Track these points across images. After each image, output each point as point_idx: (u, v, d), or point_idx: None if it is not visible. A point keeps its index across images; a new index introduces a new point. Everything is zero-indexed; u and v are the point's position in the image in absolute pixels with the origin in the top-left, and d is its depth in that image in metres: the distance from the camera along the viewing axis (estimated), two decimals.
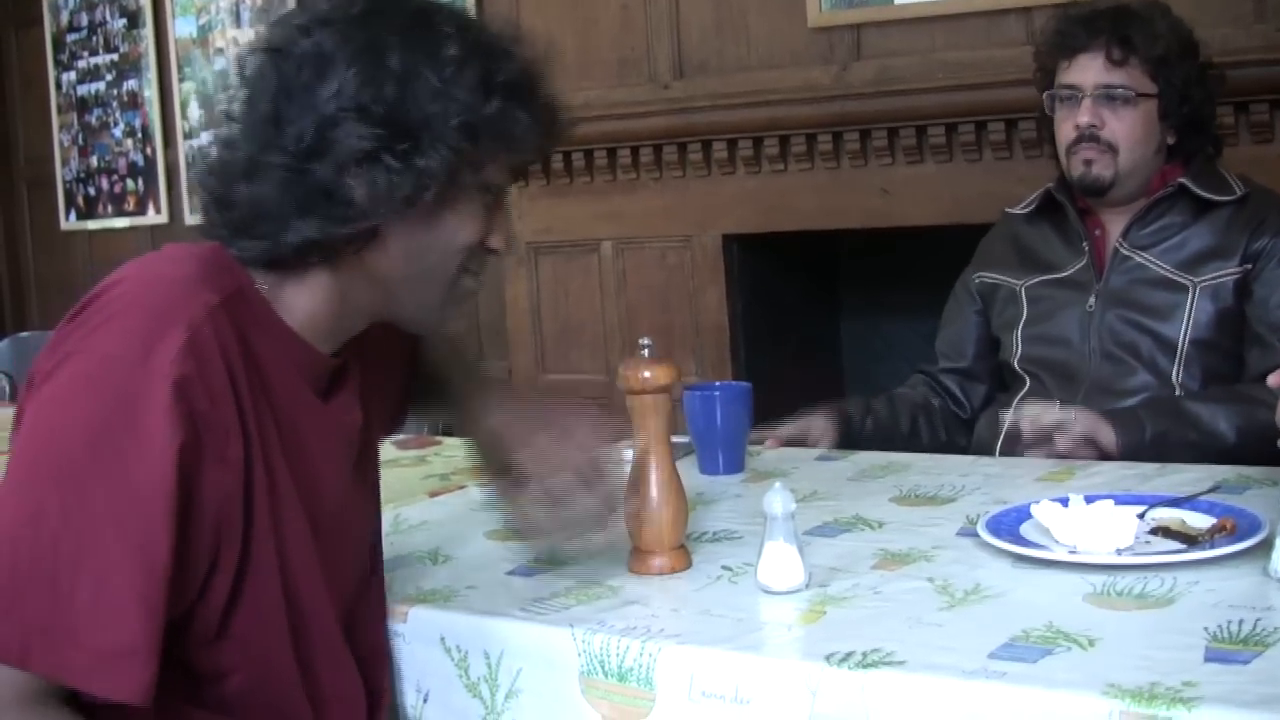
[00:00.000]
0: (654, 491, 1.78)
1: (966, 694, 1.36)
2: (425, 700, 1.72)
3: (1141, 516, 1.80)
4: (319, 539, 1.54)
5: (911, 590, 1.65)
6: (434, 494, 2.33)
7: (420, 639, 1.72)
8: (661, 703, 1.52)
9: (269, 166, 1.44)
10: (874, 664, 1.42)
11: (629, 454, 1.80)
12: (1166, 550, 1.71)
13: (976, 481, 2.15)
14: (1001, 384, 2.74)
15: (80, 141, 6.32)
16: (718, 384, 2.59)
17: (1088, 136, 2.56)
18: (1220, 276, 2.52)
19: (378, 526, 1.77)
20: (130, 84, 6.10)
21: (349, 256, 1.49)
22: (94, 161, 6.26)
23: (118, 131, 6.17)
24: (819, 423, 2.58)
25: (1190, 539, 1.74)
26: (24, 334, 5.15)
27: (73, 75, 6.32)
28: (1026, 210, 2.76)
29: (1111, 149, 2.55)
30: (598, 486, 1.69)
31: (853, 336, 4.81)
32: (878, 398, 2.74)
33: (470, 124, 1.46)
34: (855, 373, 4.75)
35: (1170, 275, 2.55)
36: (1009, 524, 1.82)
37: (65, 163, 6.38)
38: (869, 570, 1.74)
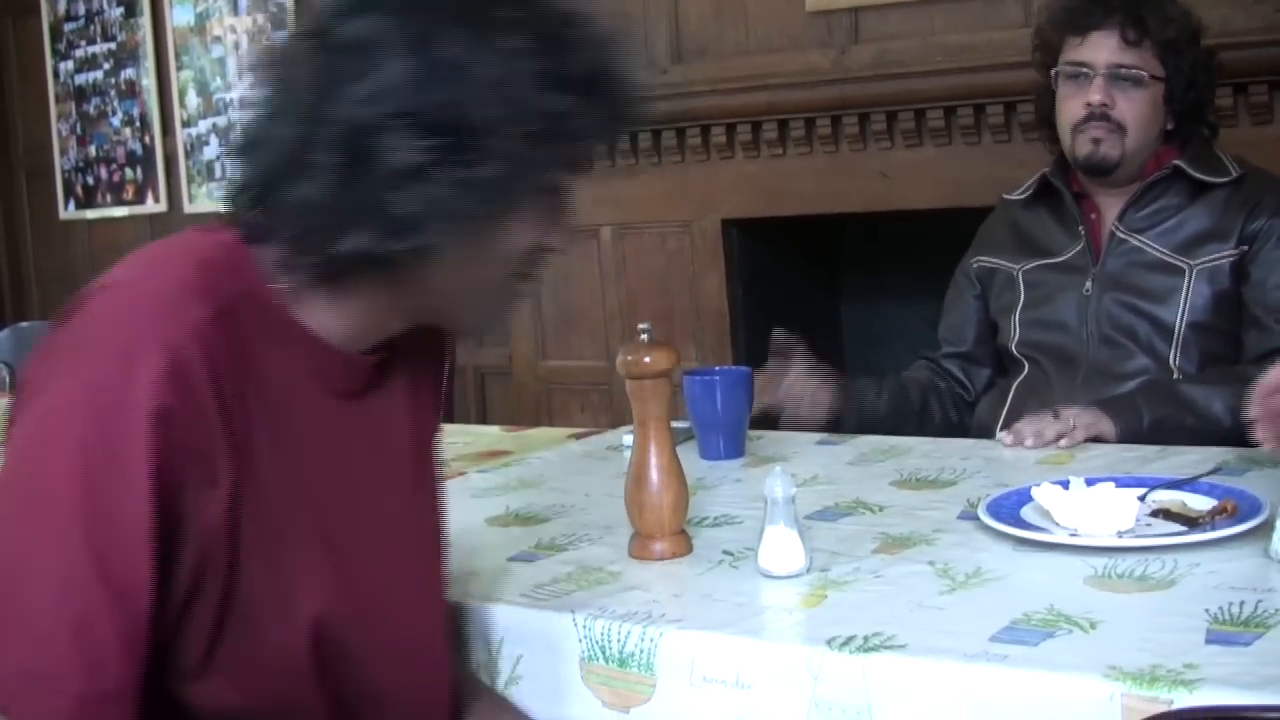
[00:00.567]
0: (654, 476, 1.78)
1: (968, 677, 1.36)
2: None
3: (1142, 499, 1.80)
4: (346, 562, 1.43)
5: (912, 574, 1.65)
6: None
7: None
8: (662, 688, 1.52)
9: (318, 168, 1.29)
10: (875, 648, 1.42)
11: (628, 439, 1.80)
12: (1167, 533, 1.71)
13: (977, 465, 2.15)
14: (1001, 368, 2.74)
15: (78, 131, 6.31)
16: (718, 369, 2.59)
17: (1098, 115, 2.55)
18: (1217, 258, 2.52)
19: (440, 528, 1.61)
20: (128, 73, 6.09)
21: (401, 269, 1.35)
22: (92, 150, 6.25)
23: (116, 120, 6.16)
24: (819, 392, 2.55)
25: (1191, 521, 1.74)
26: (24, 324, 5.13)
27: (70, 64, 6.31)
28: (1023, 196, 2.76)
29: (1120, 129, 2.54)
30: None
31: (853, 320, 4.81)
32: (886, 377, 2.74)
33: (540, 131, 1.31)
34: (856, 357, 4.74)
35: (1166, 258, 2.54)
36: (1010, 507, 1.82)
37: (64, 152, 6.37)
38: (870, 554, 1.74)
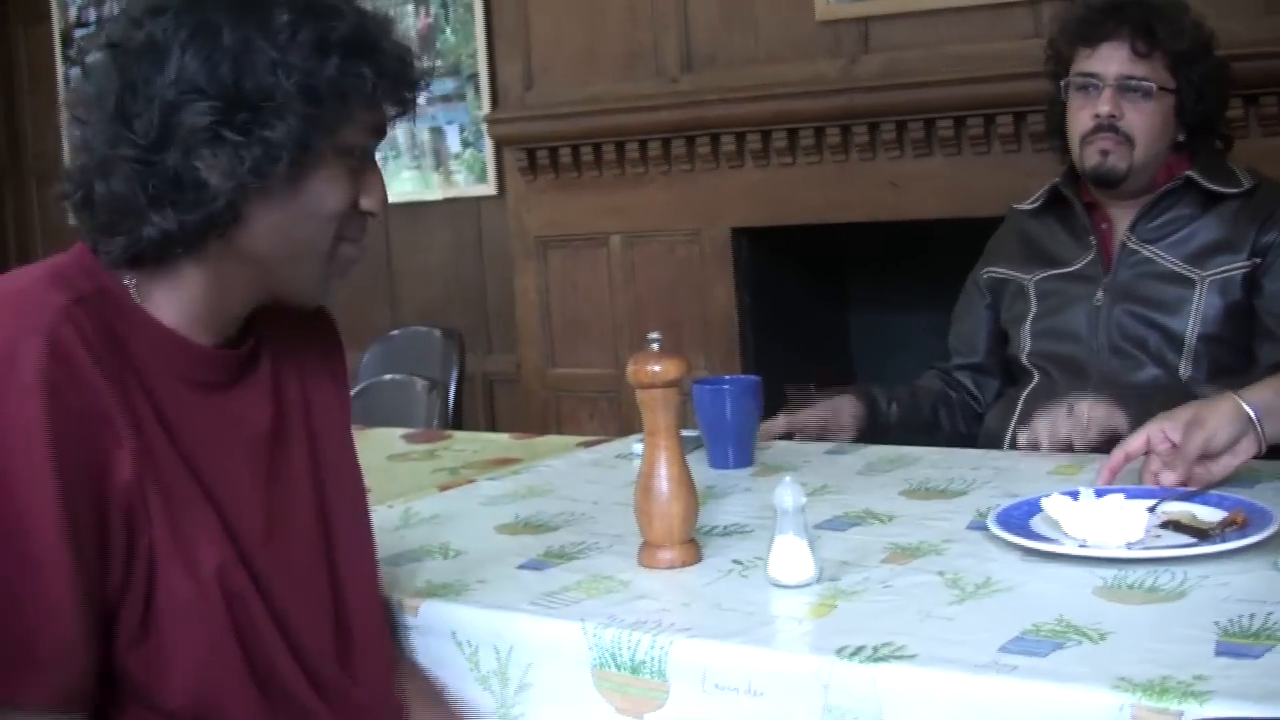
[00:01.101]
0: (664, 486, 1.78)
1: (977, 688, 1.36)
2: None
3: (1152, 510, 1.80)
4: (244, 539, 1.51)
5: (922, 584, 1.65)
6: (444, 488, 2.34)
7: (431, 633, 1.72)
8: (675, 694, 1.52)
9: (120, 162, 1.43)
10: (885, 657, 1.42)
11: (637, 448, 1.80)
12: (1177, 544, 1.70)
13: (987, 475, 2.15)
14: (1010, 378, 2.74)
15: None
16: (727, 377, 2.59)
17: (1106, 126, 2.55)
18: (1228, 270, 2.51)
19: (358, 529, 1.70)
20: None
21: (214, 242, 1.47)
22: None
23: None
24: (846, 407, 2.58)
25: (1201, 533, 1.74)
26: None
27: (80, 70, 6.32)
28: (1033, 206, 2.76)
29: (1129, 141, 2.54)
30: None
31: (861, 330, 4.81)
32: (898, 387, 2.75)
33: (310, 86, 1.43)
34: (864, 366, 4.75)
35: (1178, 269, 2.54)
36: (1019, 518, 1.82)
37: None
38: (879, 564, 1.74)
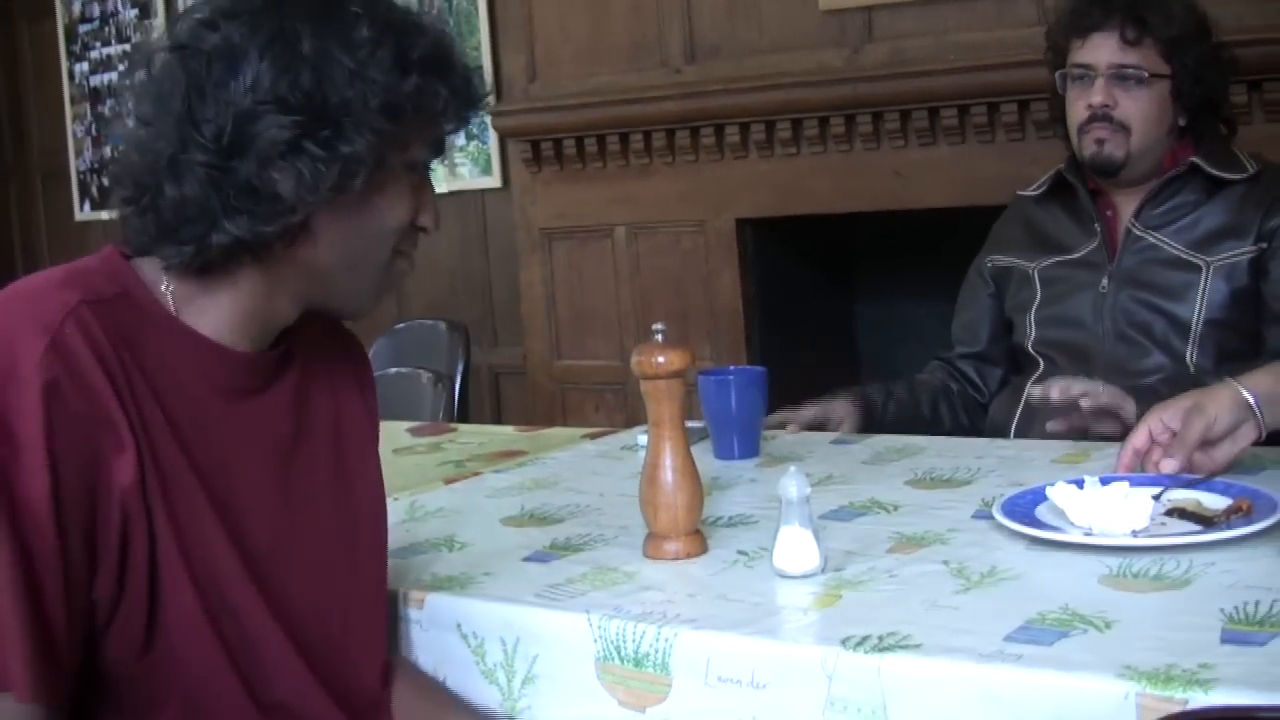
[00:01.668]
0: (669, 477, 1.78)
1: (983, 676, 1.36)
2: (443, 683, 1.71)
3: (1157, 498, 1.80)
4: (253, 550, 1.50)
5: (927, 573, 1.65)
6: (449, 481, 2.34)
7: (437, 625, 1.72)
8: (678, 687, 1.52)
9: (191, 166, 1.41)
10: (890, 647, 1.42)
11: (643, 439, 1.80)
12: (1182, 532, 1.70)
13: (992, 464, 2.15)
14: (1016, 367, 2.73)
15: (94, 132, 6.33)
16: (732, 368, 2.59)
17: (1100, 116, 2.55)
18: (1234, 255, 2.51)
19: (376, 538, 1.70)
20: (140, 75, 6.10)
21: (279, 252, 1.47)
22: (108, 152, 6.27)
23: (131, 123, 6.17)
24: (841, 407, 2.59)
25: (1206, 520, 1.73)
26: None
27: (85, 66, 6.34)
28: (1038, 192, 2.76)
29: (1124, 129, 2.55)
30: None
31: (867, 319, 4.81)
32: (897, 383, 2.75)
33: (392, 104, 1.43)
34: (870, 355, 4.75)
35: (1183, 255, 2.54)
36: (1024, 506, 1.82)
37: (79, 154, 6.39)
38: (884, 553, 1.74)
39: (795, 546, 1.67)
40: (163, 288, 1.48)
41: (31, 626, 1.32)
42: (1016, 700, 1.34)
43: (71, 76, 6.38)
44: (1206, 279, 2.52)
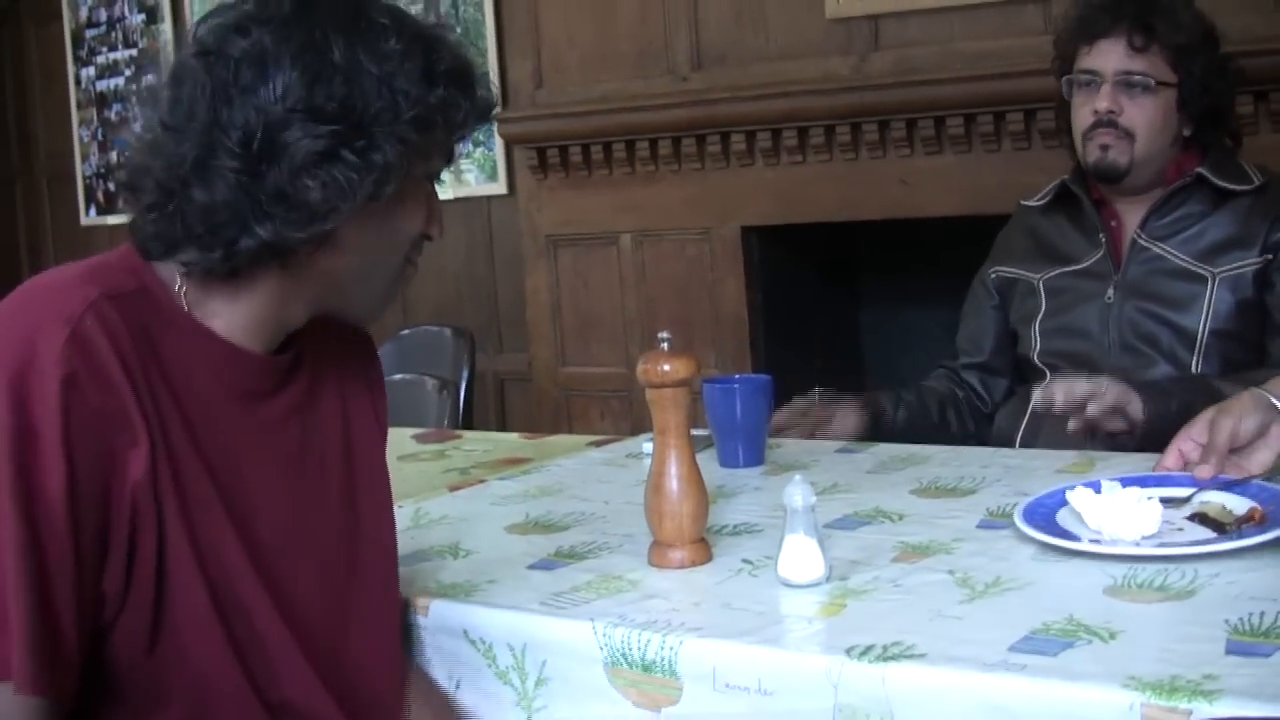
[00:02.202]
0: (674, 485, 1.78)
1: (987, 687, 1.36)
2: (458, 687, 1.72)
3: (1188, 500, 1.79)
4: (261, 549, 1.51)
5: (932, 583, 1.65)
6: (454, 488, 2.34)
7: (443, 632, 1.72)
8: (689, 692, 1.53)
9: (221, 172, 1.41)
10: (895, 656, 1.42)
11: (648, 447, 1.80)
12: (1186, 542, 1.70)
13: (997, 473, 2.15)
14: (1021, 377, 2.73)
15: (100, 137, 6.34)
16: (737, 376, 2.59)
17: (1105, 122, 2.55)
18: (1240, 267, 2.51)
19: (383, 539, 1.71)
20: (149, 79, 6.11)
21: (302, 258, 1.48)
22: (114, 156, 6.28)
23: (138, 127, 6.18)
24: (845, 416, 2.58)
25: (1219, 526, 1.73)
26: None
27: (92, 71, 6.34)
28: (1042, 202, 2.76)
29: (1129, 136, 2.55)
30: None
31: (872, 328, 4.81)
32: (906, 389, 2.75)
33: (422, 115, 1.45)
34: (875, 364, 4.75)
35: (1189, 266, 2.54)
36: (1046, 510, 1.82)
37: (85, 158, 6.40)
38: (889, 563, 1.74)
39: (800, 555, 1.67)
40: (177, 287, 1.49)
41: (37, 618, 1.33)
42: (1021, 711, 1.34)
43: (78, 81, 6.38)
44: (1212, 290, 2.52)
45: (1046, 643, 1.43)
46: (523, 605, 1.69)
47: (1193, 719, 1.25)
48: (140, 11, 6.12)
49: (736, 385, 2.39)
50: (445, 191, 5.28)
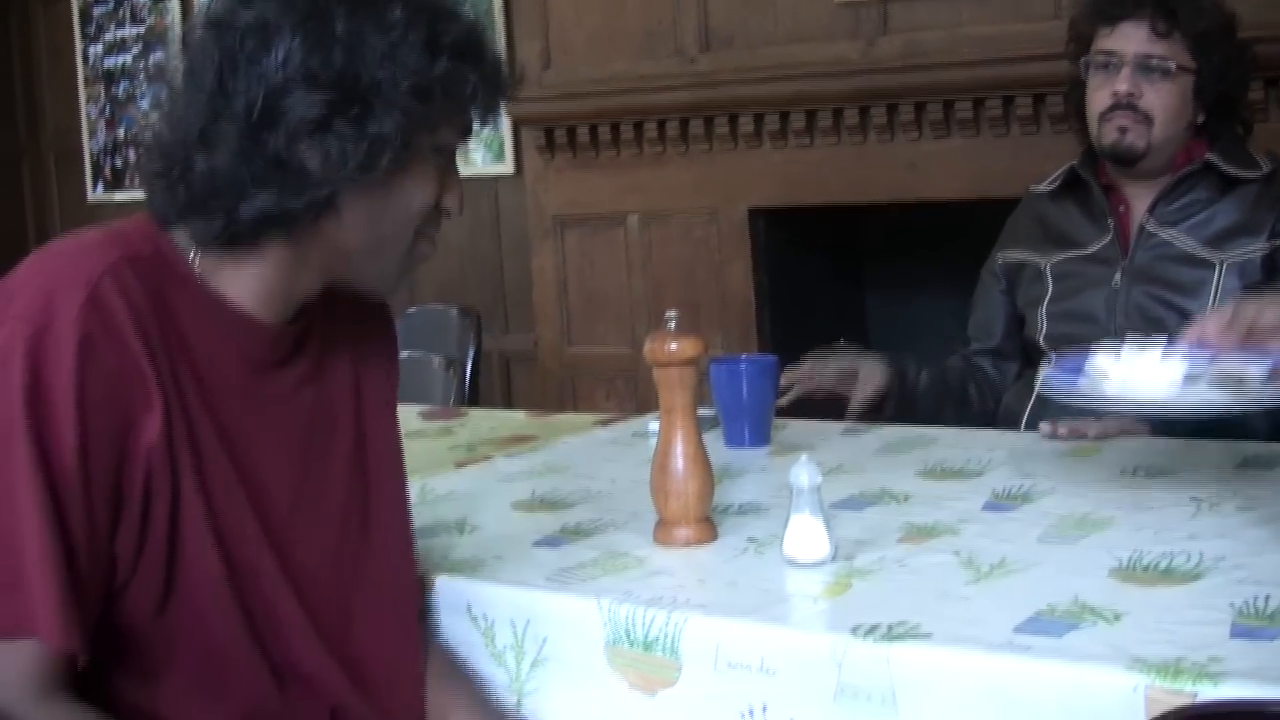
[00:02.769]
0: (680, 464, 1.78)
1: (992, 667, 1.37)
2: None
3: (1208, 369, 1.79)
4: (271, 517, 1.53)
5: (937, 564, 1.65)
6: (460, 464, 2.34)
7: (447, 608, 1.73)
8: (687, 672, 1.53)
9: (222, 138, 1.43)
10: (900, 636, 1.43)
11: (654, 426, 1.80)
12: (1202, 397, 1.69)
13: (1003, 456, 2.15)
14: (1029, 361, 2.73)
15: (107, 114, 6.34)
16: (743, 356, 2.59)
17: (1124, 105, 2.54)
18: (1247, 253, 2.51)
19: (395, 506, 1.71)
20: (157, 56, 6.11)
21: (305, 227, 1.48)
22: (121, 133, 6.28)
23: (145, 103, 6.18)
24: (871, 367, 2.57)
25: (1239, 382, 1.71)
26: None
27: (99, 48, 6.34)
28: (1051, 187, 2.75)
29: (1147, 119, 2.54)
30: None
31: (878, 311, 4.81)
32: (924, 361, 2.74)
33: (421, 86, 1.45)
34: (881, 348, 4.70)
35: (1196, 252, 2.54)
36: (1070, 371, 1.82)
37: (92, 135, 6.40)
38: (895, 543, 1.74)
39: (805, 535, 1.67)
40: (191, 256, 1.50)
41: (63, 575, 1.34)
42: (1025, 692, 1.34)
43: (85, 58, 6.38)
44: (1219, 276, 2.51)
45: (1051, 624, 1.43)
46: (528, 581, 1.70)
47: (1197, 701, 1.25)
48: None
49: (743, 365, 2.39)
50: None
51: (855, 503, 1.93)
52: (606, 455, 2.37)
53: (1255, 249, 2.51)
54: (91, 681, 1.42)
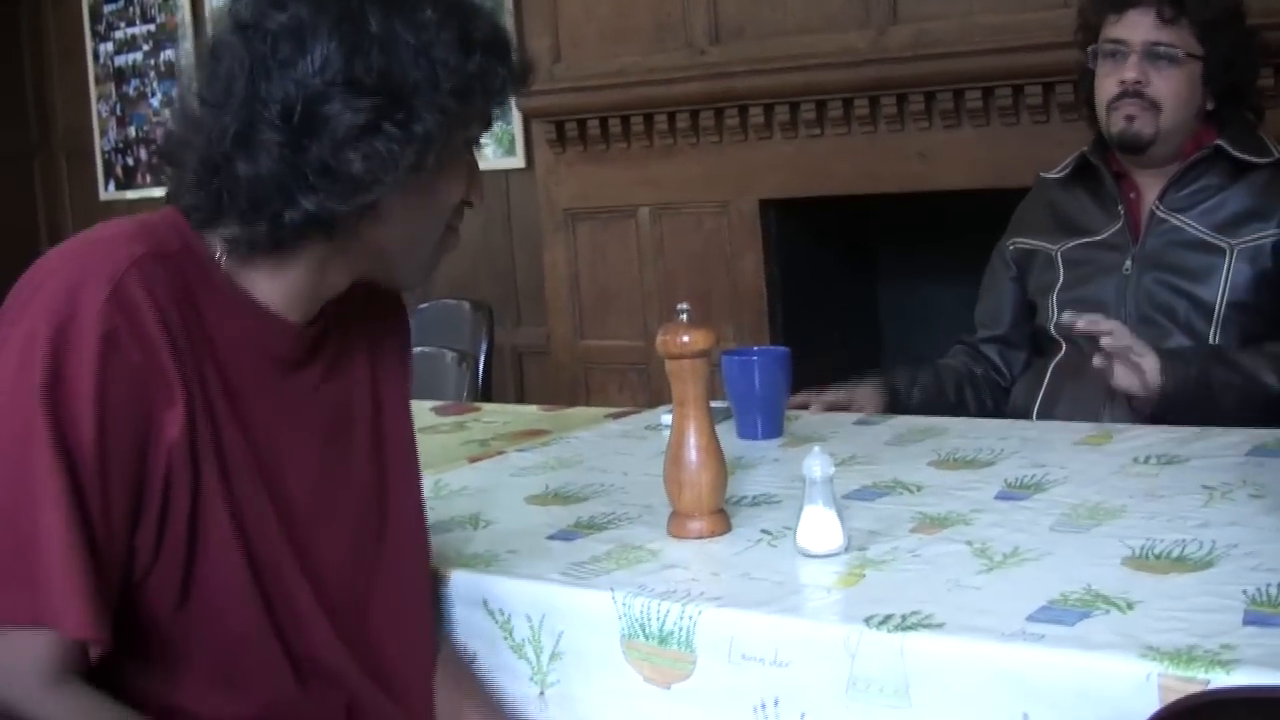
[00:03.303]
0: (693, 456, 1.79)
1: (1005, 656, 1.37)
2: (473, 661, 1.73)
3: None
4: (291, 513, 1.54)
5: (950, 553, 1.66)
6: (474, 459, 2.35)
7: (462, 602, 1.73)
8: (702, 665, 1.53)
9: (264, 145, 1.42)
10: (913, 626, 1.43)
11: (667, 419, 1.80)
12: None
13: (1014, 445, 2.15)
14: (1038, 349, 2.73)
15: (118, 112, 6.35)
16: (756, 349, 2.59)
17: (1132, 92, 2.55)
18: (1258, 238, 2.51)
19: (410, 502, 1.72)
20: (167, 54, 6.12)
21: (346, 229, 1.48)
22: (132, 131, 6.29)
23: (155, 101, 6.20)
24: (865, 392, 2.59)
25: None
26: None
27: (110, 46, 6.35)
28: (1061, 174, 2.76)
29: (1155, 107, 2.54)
30: None
31: (890, 301, 4.80)
32: (923, 368, 2.75)
33: (461, 85, 1.45)
34: (892, 338, 4.75)
35: (1207, 237, 2.54)
36: None
37: (104, 133, 6.41)
38: (908, 533, 1.74)
39: (819, 526, 1.67)
40: (217, 254, 1.50)
41: (85, 565, 1.35)
42: (1038, 680, 1.35)
43: (96, 56, 6.39)
44: (1230, 261, 2.51)
45: (1064, 613, 1.43)
46: (542, 575, 1.70)
47: (1210, 689, 1.26)
48: None
49: (755, 357, 2.40)
50: None
51: (868, 493, 1.93)
52: (619, 448, 2.37)
53: (1267, 234, 2.51)
54: (109, 674, 1.42)
